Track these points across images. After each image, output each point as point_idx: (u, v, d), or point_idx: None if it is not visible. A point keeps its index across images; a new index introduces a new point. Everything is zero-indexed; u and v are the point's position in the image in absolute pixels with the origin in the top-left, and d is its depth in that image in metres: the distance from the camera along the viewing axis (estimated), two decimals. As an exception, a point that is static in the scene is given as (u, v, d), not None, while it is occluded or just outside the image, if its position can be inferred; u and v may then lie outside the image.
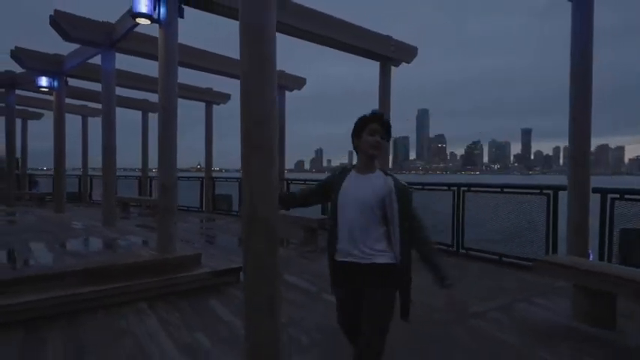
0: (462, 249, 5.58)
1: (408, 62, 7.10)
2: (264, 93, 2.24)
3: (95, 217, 7.62)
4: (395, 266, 1.79)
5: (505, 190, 5.22)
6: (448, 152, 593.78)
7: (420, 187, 6.29)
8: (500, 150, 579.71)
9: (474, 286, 4.24)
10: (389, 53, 6.66)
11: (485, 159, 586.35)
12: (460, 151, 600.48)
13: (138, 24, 4.90)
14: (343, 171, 2.01)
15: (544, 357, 2.62)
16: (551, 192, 4.69)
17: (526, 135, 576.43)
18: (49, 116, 14.16)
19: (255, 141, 2.20)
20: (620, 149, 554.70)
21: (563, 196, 4.41)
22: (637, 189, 4.07)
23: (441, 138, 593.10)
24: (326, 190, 2.01)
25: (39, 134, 14.77)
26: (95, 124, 14.17)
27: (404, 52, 6.90)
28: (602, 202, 4.18)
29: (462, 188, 5.63)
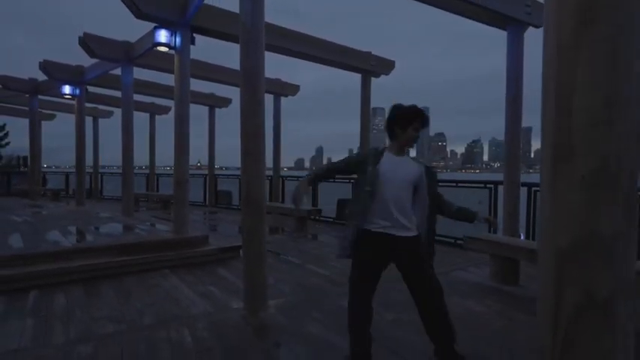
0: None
1: (387, 74, 8.14)
2: (256, 115, 3.32)
3: (113, 209, 8.69)
4: (419, 238, 2.20)
5: (459, 185, 6.29)
6: (448, 150, 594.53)
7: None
8: (500, 148, 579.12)
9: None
10: (369, 67, 7.72)
11: (486, 157, 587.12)
12: (460, 150, 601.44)
13: (153, 44, 5.94)
14: (377, 153, 2.25)
15: (457, 301, 3.69)
16: (492, 186, 5.76)
17: (526, 133, 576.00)
18: (60, 117, 15.32)
19: (249, 149, 3.28)
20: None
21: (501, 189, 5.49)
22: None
23: (441, 136, 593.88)
24: (354, 167, 2.26)
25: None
26: (104, 124, 15.25)
27: (382, 66, 7.95)
28: (528, 194, 5.25)
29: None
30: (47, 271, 4.00)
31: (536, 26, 5.36)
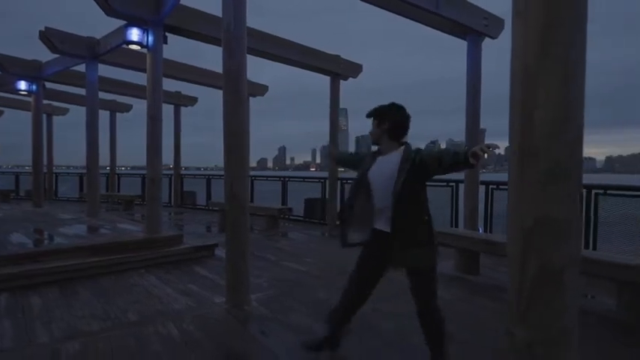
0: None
1: (354, 77, 8.43)
2: (239, 114, 3.45)
3: (74, 211, 8.39)
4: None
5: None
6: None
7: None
8: (456, 149, 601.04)
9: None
10: (338, 70, 7.97)
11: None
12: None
13: (123, 42, 5.84)
14: (373, 154, 2.39)
15: (424, 289, 4.00)
16: (454, 184, 6.19)
17: (480, 135, 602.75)
18: (6, 113, 14.39)
19: (232, 147, 3.41)
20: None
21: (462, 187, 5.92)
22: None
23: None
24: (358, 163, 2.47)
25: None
26: (57, 122, 14.50)
27: (350, 69, 8.22)
28: (486, 192, 5.71)
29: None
30: (18, 273, 3.89)
31: (493, 37, 5.84)
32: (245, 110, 3.46)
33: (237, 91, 3.42)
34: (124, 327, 2.95)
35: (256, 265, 4.88)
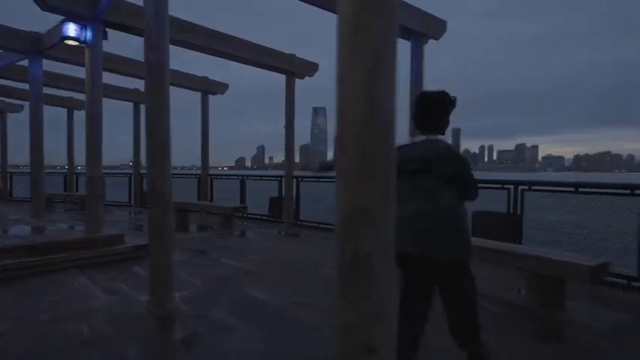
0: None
1: (310, 76, 8.49)
2: (161, 109, 3.43)
3: (22, 211, 8.13)
4: None
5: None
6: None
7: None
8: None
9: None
10: (293, 69, 8.02)
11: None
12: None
13: (64, 39, 5.69)
14: None
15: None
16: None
17: (455, 134, 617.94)
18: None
19: (155, 143, 3.40)
20: (535, 148, 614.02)
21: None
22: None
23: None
24: None
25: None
26: (16, 120, 13.97)
27: (306, 68, 8.29)
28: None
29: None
30: None
31: (435, 39, 6.01)
32: (167, 106, 3.45)
33: (159, 86, 3.40)
34: (32, 326, 2.90)
35: (196, 263, 4.89)
